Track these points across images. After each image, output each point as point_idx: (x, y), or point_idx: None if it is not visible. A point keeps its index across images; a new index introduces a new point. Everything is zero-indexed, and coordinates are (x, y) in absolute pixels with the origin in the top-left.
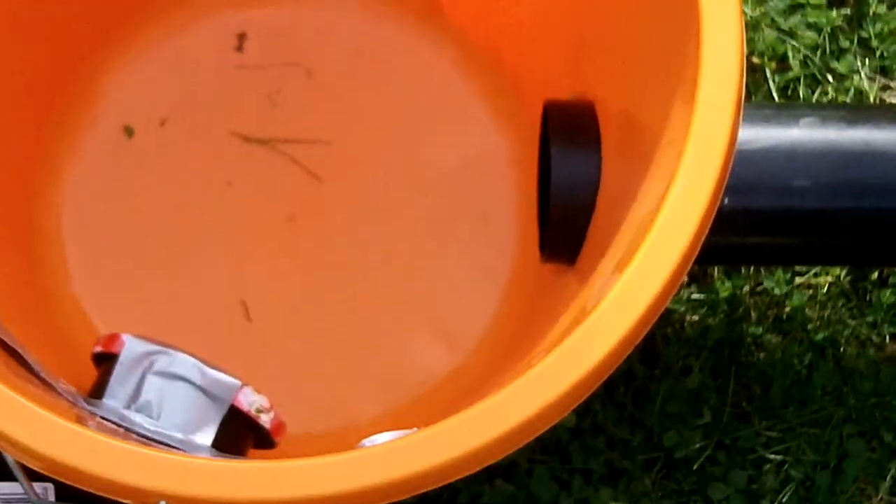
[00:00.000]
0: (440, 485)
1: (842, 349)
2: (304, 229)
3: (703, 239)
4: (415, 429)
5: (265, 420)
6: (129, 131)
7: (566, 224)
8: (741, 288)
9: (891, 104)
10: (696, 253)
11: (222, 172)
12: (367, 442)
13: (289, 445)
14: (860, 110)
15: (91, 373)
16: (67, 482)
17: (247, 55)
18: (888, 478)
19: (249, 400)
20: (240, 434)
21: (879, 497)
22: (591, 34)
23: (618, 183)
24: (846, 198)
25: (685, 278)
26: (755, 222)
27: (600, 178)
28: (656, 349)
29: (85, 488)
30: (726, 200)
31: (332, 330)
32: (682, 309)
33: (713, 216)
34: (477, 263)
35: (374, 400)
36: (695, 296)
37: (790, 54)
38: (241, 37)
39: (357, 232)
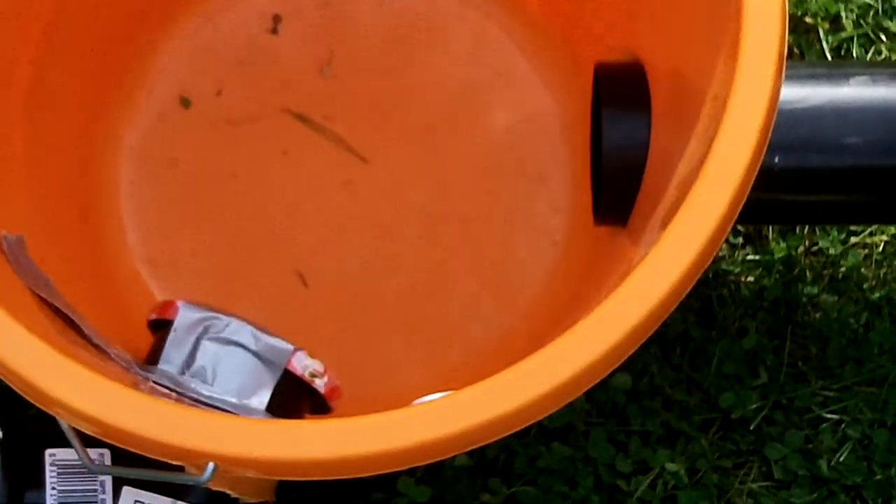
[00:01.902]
0: (489, 440)
1: None
2: (359, 196)
3: (745, 196)
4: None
5: (319, 384)
6: (185, 102)
7: (618, 185)
8: (796, 248)
9: None
10: (739, 210)
11: (278, 141)
12: (418, 402)
13: (344, 410)
14: None
15: (147, 340)
16: (120, 445)
17: (295, 27)
18: None
19: (303, 364)
20: (294, 398)
21: None
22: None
23: (666, 143)
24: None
25: (739, 239)
26: (807, 181)
27: (650, 137)
28: (712, 310)
29: (137, 451)
30: (777, 159)
31: (386, 295)
32: (738, 270)
33: (755, 173)
34: (532, 225)
35: (427, 363)
36: (750, 257)
37: (843, 14)
38: (277, 18)
39: (410, 198)
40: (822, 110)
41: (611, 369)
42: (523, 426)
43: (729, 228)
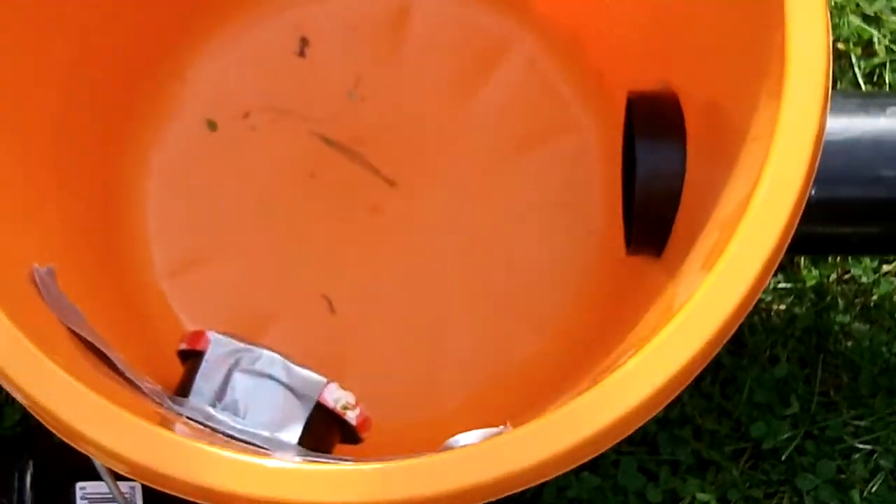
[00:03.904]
0: (531, 485)
1: None
2: (387, 220)
3: (790, 238)
4: (500, 427)
5: (351, 417)
6: (211, 125)
7: (652, 217)
8: (828, 276)
9: None
10: (783, 252)
11: (305, 164)
12: (452, 441)
13: (373, 438)
14: None
15: (176, 367)
16: (155, 486)
17: (321, 50)
18: None
19: (335, 396)
20: (326, 431)
21: None
22: (673, 22)
23: (703, 176)
24: None
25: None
26: (842, 212)
27: (685, 169)
28: (743, 338)
29: (172, 492)
30: (813, 191)
31: (414, 320)
32: (769, 298)
33: (799, 216)
34: (562, 251)
35: (456, 389)
36: (781, 285)
37: (875, 40)
38: (304, 41)
39: (438, 222)
40: (859, 142)
41: (653, 413)
42: (574, 466)
43: (774, 269)
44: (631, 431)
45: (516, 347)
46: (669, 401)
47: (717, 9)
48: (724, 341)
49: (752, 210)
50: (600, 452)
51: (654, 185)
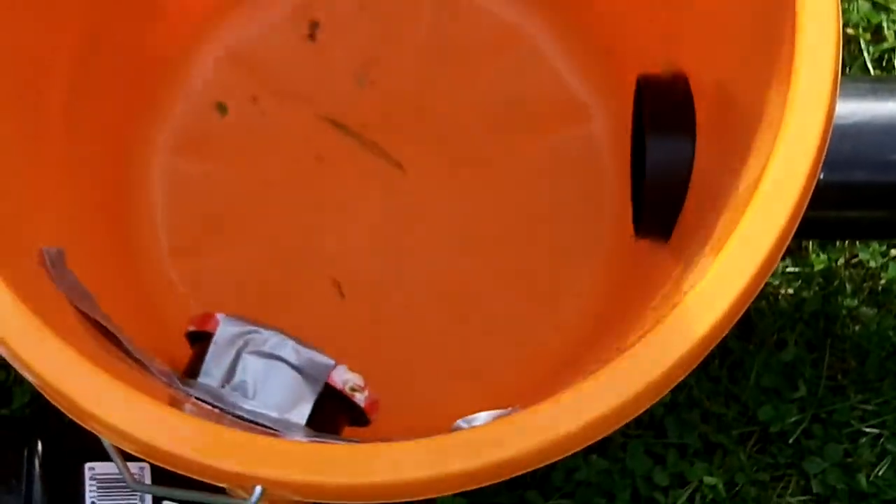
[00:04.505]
0: (538, 466)
1: None
2: (395, 204)
3: (798, 222)
4: (510, 408)
5: (360, 398)
6: (222, 108)
7: (661, 202)
8: (836, 260)
9: None
10: (791, 236)
11: (313, 148)
12: (462, 422)
13: (382, 421)
14: None
15: (184, 349)
16: (164, 466)
17: (331, 33)
18: None
19: (344, 378)
20: (334, 412)
21: None
22: (682, 2)
23: (712, 159)
24: None
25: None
26: (852, 196)
27: (694, 155)
28: (751, 322)
29: (181, 472)
30: (822, 175)
31: (422, 304)
32: (777, 282)
33: (808, 200)
34: (572, 236)
35: (463, 373)
36: (789, 269)
37: (885, 25)
38: (314, 24)
39: (447, 206)
40: (868, 126)
41: (659, 396)
42: (583, 447)
43: (781, 254)
44: (638, 413)
45: (526, 334)
46: (676, 384)
47: None
48: (732, 325)
49: (761, 194)
50: (607, 434)
51: (664, 173)
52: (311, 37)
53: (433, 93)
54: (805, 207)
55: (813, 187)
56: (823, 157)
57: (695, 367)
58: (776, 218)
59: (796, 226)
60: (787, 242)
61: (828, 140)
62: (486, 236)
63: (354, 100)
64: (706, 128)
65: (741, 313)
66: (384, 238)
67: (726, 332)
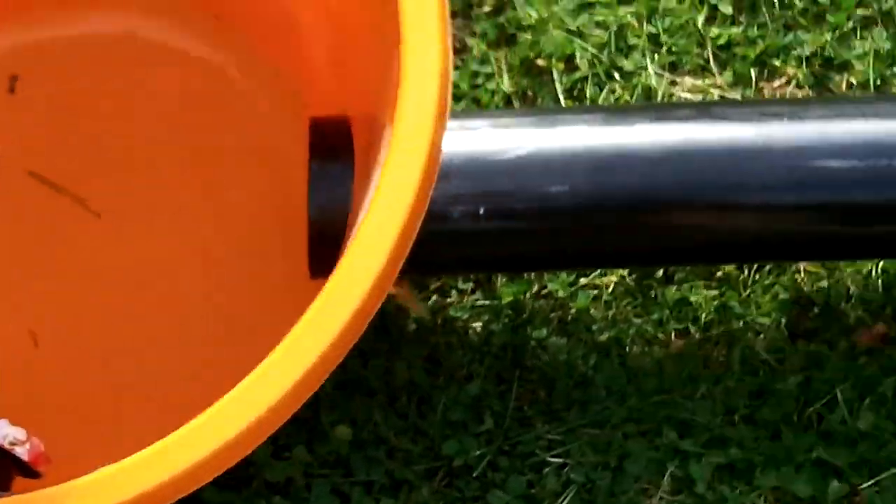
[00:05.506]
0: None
1: (626, 348)
2: (91, 252)
3: (408, 248)
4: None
5: (20, 452)
6: None
7: (323, 239)
8: (525, 292)
9: (643, 104)
10: (402, 261)
11: (12, 202)
12: None
13: (59, 473)
14: (615, 112)
15: None
16: None
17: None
18: (666, 475)
19: (3, 433)
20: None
21: (659, 496)
22: (341, 52)
23: (362, 194)
24: (600, 201)
25: (468, 285)
26: (511, 230)
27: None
28: (440, 357)
29: None
30: (482, 210)
31: (118, 352)
32: (466, 316)
33: (419, 222)
34: (259, 272)
35: (140, 415)
36: (479, 302)
37: (577, 54)
38: (14, 78)
39: (141, 252)
40: (529, 160)
41: (291, 412)
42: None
43: (393, 277)
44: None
45: (203, 371)
46: (304, 402)
47: (366, 37)
48: (340, 358)
49: (366, 223)
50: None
51: (324, 209)
52: (11, 90)
53: (132, 139)
54: (412, 238)
55: (422, 215)
56: (432, 186)
57: (297, 408)
58: (379, 247)
59: (405, 253)
60: (397, 269)
61: (435, 170)
62: (180, 276)
63: (55, 150)
64: (363, 166)
65: (352, 343)
66: (79, 286)
67: (331, 368)
